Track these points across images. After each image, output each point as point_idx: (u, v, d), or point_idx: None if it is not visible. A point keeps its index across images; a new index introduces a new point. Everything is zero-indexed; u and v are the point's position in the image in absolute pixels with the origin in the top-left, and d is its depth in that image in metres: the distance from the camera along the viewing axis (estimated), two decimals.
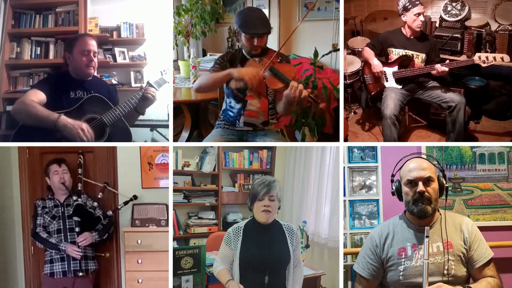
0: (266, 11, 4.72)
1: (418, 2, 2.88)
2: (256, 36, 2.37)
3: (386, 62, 3.05)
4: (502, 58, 2.68)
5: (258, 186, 2.04)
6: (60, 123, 2.34)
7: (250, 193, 2.10)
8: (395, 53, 3.05)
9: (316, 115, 3.06)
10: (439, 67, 2.79)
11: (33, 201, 2.73)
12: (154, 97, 2.62)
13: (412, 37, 3.01)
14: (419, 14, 2.88)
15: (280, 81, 2.32)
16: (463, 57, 3.17)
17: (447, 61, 2.91)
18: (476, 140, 3.05)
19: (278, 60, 2.41)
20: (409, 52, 3.00)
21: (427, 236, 1.76)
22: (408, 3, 2.89)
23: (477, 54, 2.72)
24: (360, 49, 3.33)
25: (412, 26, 2.95)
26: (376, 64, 3.00)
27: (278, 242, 2.07)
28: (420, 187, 1.82)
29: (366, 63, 3.13)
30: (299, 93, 2.18)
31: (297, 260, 2.11)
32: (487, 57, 2.68)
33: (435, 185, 1.86)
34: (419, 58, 2.99)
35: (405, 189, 1.89)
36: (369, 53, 3.05)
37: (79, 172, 2.78)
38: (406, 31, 3.01)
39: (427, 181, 1.84)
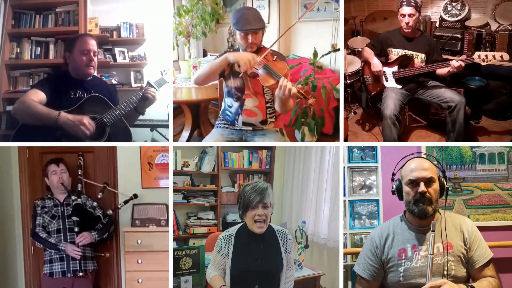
0: (266, 11, 4.73)
1: (405, 3, 2.88)
2: (250, 32, 2.37)
3: (386, 62, 3.05)
4: (501, 57, 2.67)
5: (251, 194, 1.91)
6: (61, 120, 2.34)
7: (240, 201, 1.96)
8: (395, 53, 3.05)
9: (316, 114, 3.06)
10: (455, 63, 2.75)
11: (33, 201, 2.72)
12: (154, 97, 2.62)
13: (411, 37, 3.01)
14: (403, 15, 2.89)
15: (271, 78, 2.32)
16: (462, 57, 3.18)
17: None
18: (476, 140, 3.05)
19: (274, 58, 2.42)
20: (409, 52, 3.00)
21: (433, 231, 1.75)
22: (399, 3, 2.91)
23: (477, 53, 2.71)
24: (360, 49, 3.33)
25: (401, 26, 2.96)
26: (375, 63, 3.00)
27: (271, 252, 1.98)
28: (422, 187, 1.81)
29: (366, 63, 3.13)
30: (288, 91, 2.17)
31: (290, 263, 2.03)
32: (486, 56, 2.68)
33: (436, 185, 1.85)
34: (418, 58, 2.99)
35: (406, 188, 1.88)
36: (369, 53, 3.05)
37: (79, 173, 2.77)
38: (404, 31, 3.01)
39: (428, 181, 1.83)
